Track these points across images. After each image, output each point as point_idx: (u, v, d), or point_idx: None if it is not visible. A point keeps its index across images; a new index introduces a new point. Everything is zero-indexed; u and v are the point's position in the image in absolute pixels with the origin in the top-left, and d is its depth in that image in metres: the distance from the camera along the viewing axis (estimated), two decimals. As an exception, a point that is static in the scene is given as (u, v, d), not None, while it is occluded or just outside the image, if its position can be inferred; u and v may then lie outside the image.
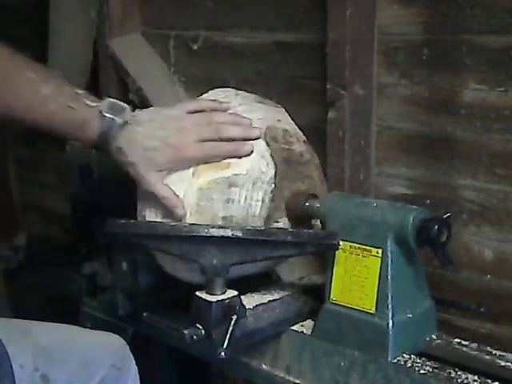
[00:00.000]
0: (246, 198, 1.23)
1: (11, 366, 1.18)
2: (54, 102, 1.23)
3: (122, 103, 1.26)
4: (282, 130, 1.31)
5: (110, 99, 1.26)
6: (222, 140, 1.25)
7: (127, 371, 1.34)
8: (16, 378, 1.18)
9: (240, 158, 1.25)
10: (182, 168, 1.25)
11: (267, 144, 1.27)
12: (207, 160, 1.24)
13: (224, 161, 1.25)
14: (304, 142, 1.37)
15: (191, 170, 1.24)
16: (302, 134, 1.38)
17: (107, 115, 1.24)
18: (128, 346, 1.38)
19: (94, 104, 1.25)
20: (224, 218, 1.22)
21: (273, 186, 1.25)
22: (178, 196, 1.23)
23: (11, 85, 1.21)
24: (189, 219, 1.22)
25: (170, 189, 1.24)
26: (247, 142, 1.26)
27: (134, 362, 1.36)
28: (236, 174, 1.23)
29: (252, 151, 1.25)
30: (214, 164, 1.24)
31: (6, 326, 1.26)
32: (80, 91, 1.26)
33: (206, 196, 1.22)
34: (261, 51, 1.79)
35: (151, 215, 1.27)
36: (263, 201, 1.24)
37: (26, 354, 1.22)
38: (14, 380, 1.18)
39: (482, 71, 1.41)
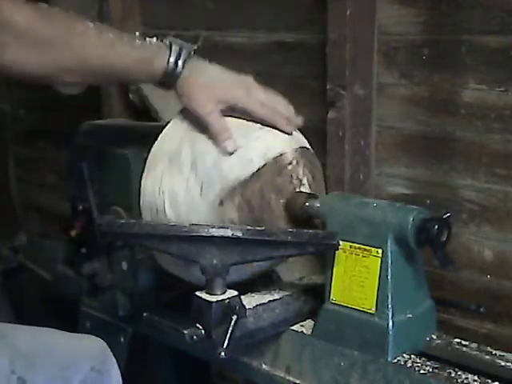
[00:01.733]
0: None
1: None
2: (121, 43, 1.25)
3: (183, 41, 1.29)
4: None
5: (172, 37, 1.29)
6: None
7: (108, 375, 1.32)
8: None
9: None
10: (235, 114, 1.26)
11: None
12: (260, 119, 1.26)
13: None
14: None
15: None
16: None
17: (174, 46, 1.26)
18: (109, 349, 1.36)
19: (155, 40, 1.28)
20: None
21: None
22: (229, 131, 1.24)
23: (77, 35, 1.22)
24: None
25: (224, 123, 1.24)
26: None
27: (115, 365, 1.33)
28: None
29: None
30: None
31: None
32: (136, 34, 1.30)
33: None
34: (261, 51, 1.79)
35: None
36: None
37: (3, 356, 1.21)
38: None
39: (481, 71, 1.41)
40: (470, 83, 1.44)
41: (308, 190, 1.28)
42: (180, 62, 1.26)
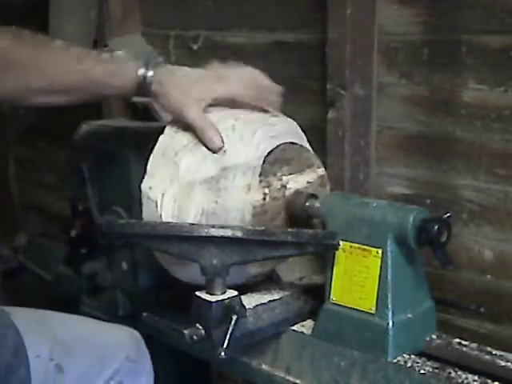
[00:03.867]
0: None
1: (27, 356, 1.20)
2: (88, 57, 1.24)
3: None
4: None
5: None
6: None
7: (142, 364, 1.36)
8: (31, 367, 1.20)
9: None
10: (219, 104, 1.25)
11: None
12: (248, 100, 1.26)
13: None
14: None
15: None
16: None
17: (142, 57, 1.27)
18: (143, 340, 1.39)
19: (122, 54, 1.30)
20: None
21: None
22: (215, 127, 1.22)
23: (44, 54, 1.22)
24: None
25: (209, 120, 1.23)
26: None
27: (148, 355, 1.38)
28: None
29: None
30: None
31: (23, 316, 1.27)
32: (104, 49, 1.30)
33: None
34: (261, 51, 1.79)
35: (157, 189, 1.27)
36: None
37: (43, 344, 1.24)
38: (29, 370, 1.20)
39: (481, 71, 1.41)
40: (470, 83, 1.44)
41: None
42: (150, 70, 1.24)
